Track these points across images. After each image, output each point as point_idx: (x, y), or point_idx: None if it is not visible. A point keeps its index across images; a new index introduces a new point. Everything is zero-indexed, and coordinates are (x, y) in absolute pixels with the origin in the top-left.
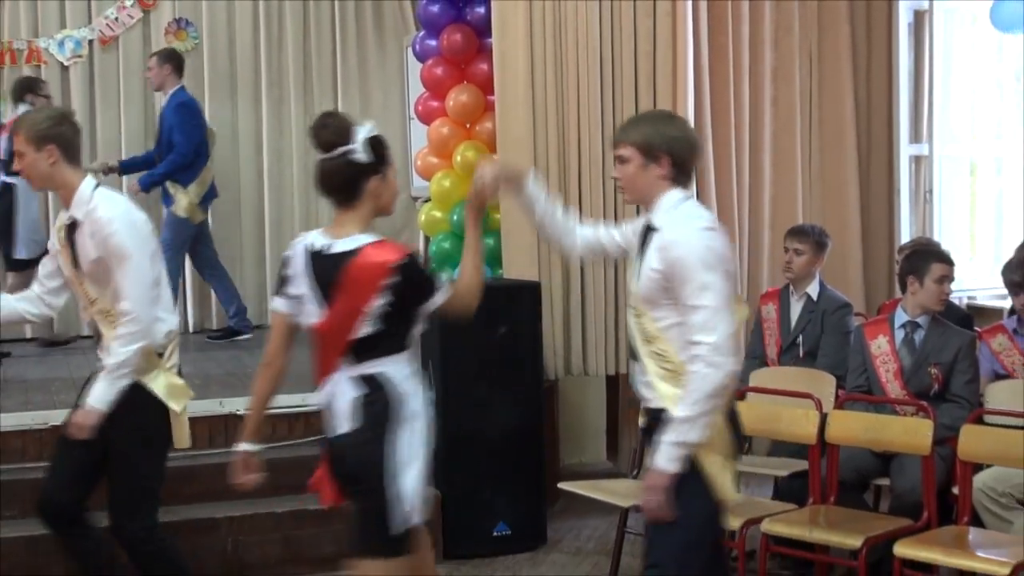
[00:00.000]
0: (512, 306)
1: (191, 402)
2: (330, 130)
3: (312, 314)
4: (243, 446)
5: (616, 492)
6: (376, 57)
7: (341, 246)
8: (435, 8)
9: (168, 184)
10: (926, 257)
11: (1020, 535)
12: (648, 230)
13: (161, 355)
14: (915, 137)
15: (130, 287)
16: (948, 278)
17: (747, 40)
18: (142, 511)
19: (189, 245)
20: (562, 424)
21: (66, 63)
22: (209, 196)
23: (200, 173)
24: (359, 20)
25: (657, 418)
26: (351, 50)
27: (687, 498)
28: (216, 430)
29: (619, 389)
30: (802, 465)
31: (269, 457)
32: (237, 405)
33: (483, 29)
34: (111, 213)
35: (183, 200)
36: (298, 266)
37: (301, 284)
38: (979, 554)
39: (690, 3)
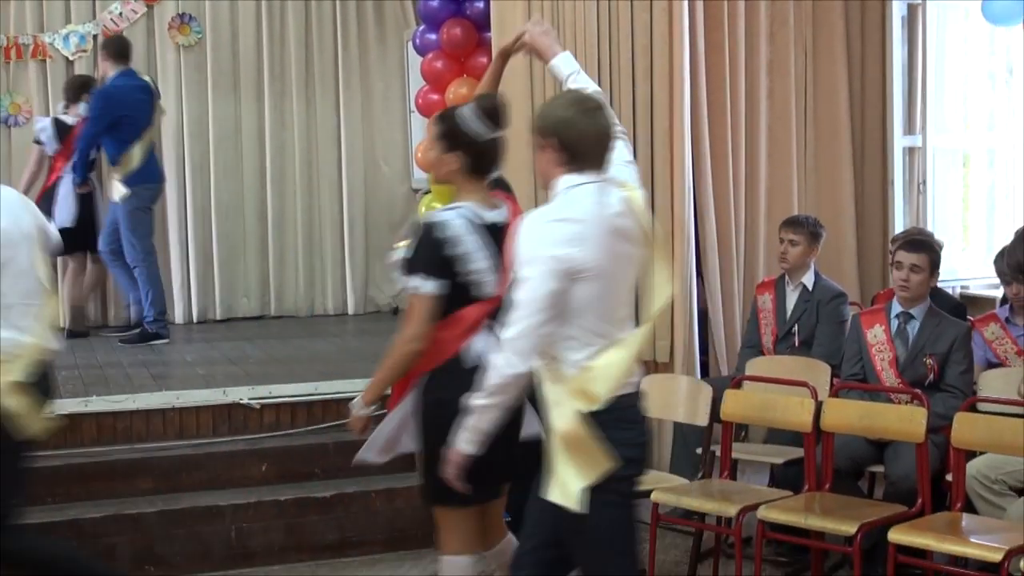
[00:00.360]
0: None
1: (197, 391)
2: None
3: (489, 285)
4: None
5: None
6: (377, 51)
7: (498, 216)
8: (435, 3)
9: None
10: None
11: (1012, 521)
12: None
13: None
14: (908, 129)
15: None
16: (903, 264)
17: (743, 34)
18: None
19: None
20: None
21: (71, 58)
22: (137, 180)
23: (121, 157)
24: (360, 15)
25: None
26: (352, 44)
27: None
28: (220, 419)
29: None
30: (798, 453)
31: (272, 446)
32: (241, 395)
33: (482, 23)
34: None
35: (115, 185)
36: (471, 243)
37: (479, 259)
38: (972, 540)
39: (686, 12)
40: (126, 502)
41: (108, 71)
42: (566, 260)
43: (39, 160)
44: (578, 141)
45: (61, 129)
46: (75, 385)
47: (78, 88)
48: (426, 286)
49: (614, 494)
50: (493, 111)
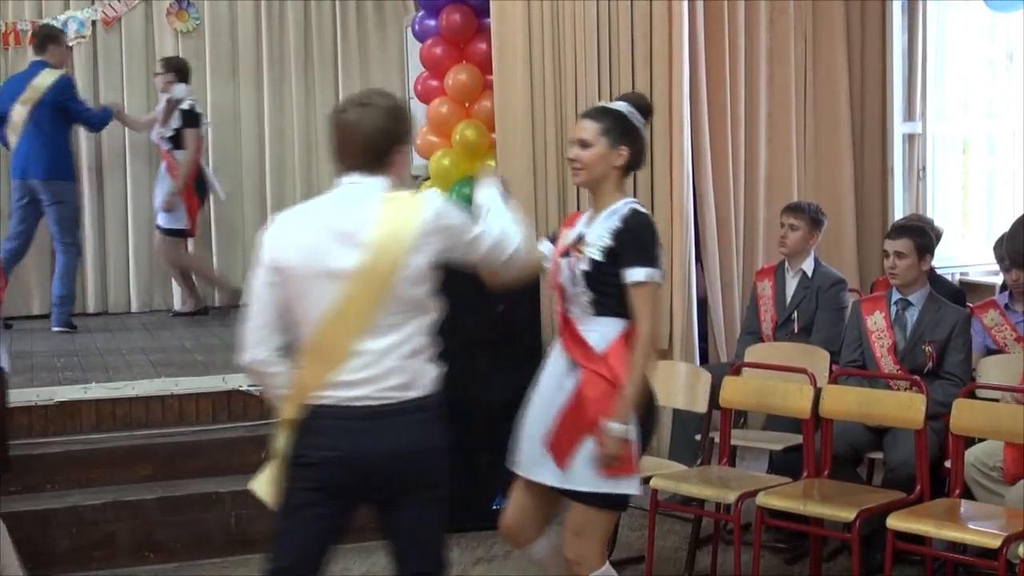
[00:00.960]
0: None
1: (196, 378)
2: None
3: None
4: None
5: None
6: (376, 37)
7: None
8: None
9: None
10: None
11: (1010, 507)
12: None
13: None
14: (908, 115)
15: None
16: (888, 252)
17: (743, 21)
18: None
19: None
20: None
21: (70, 44)
22: None
23: None
24: (359, 1)
25: None
26: (351, 30)
27: None
28: (219, 406)
29: None
30: (796, 439)
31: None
32: (239, 381)
33: (482, 9)
34: None
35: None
36: None
37: None
38: (971, 526)
39: None
40: (125, 489)
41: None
42: (302, 249)
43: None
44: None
45: None
46: (74, 372)
47: (187, 70)
48: (656, 276)
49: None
50: (647, 107)
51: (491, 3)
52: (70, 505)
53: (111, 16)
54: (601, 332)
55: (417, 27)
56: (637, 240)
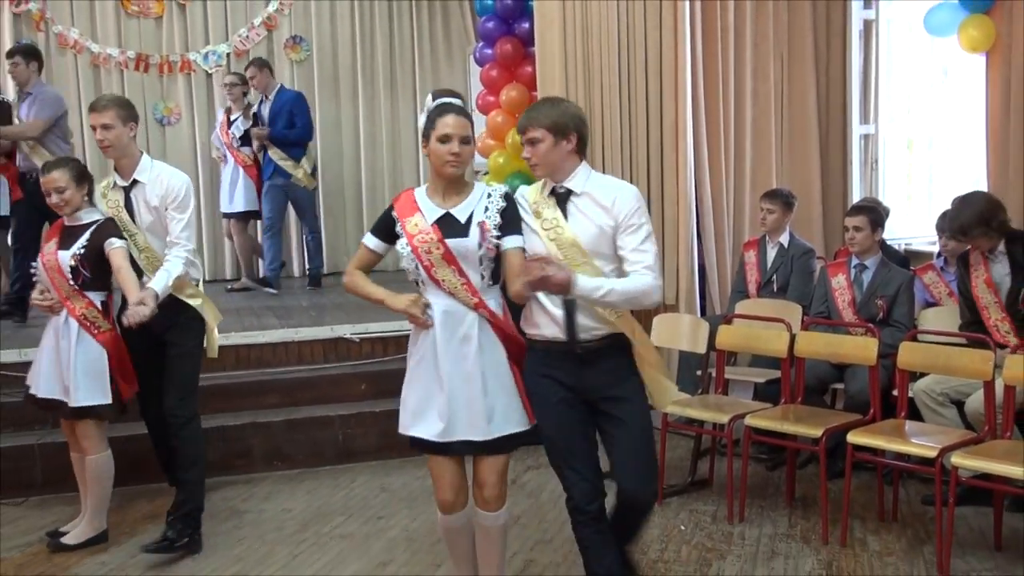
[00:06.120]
0: None
1: (311, 328)
2: None
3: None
4: None
5: None
6: (445, 63)
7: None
8: (491, 24)
9: None
10: None
11: (948, 426)
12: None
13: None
14: (864, 119)
15: None
16: (848, 226)
17: (733, 45)
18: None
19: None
20: None
21: (210, 71)
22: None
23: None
24: (432, 34)
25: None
26: (426, 57)
27: None
28: (329, 349)
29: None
30: (775, 374)
31: (369, 370)
32: (344, 331)
33: (528, 40)
34: None
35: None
36: None
37: None
38: (914, 441)
39: (688, 25)
40: (259, 413)
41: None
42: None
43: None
44: (587, 136)
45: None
46: (219, 324)
47: (245, 82)
48: (519, 241)
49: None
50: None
51: (535, 36)
52: (217, 425)
53: (241, 50)
54: (496, 301)
55: (477, 55)
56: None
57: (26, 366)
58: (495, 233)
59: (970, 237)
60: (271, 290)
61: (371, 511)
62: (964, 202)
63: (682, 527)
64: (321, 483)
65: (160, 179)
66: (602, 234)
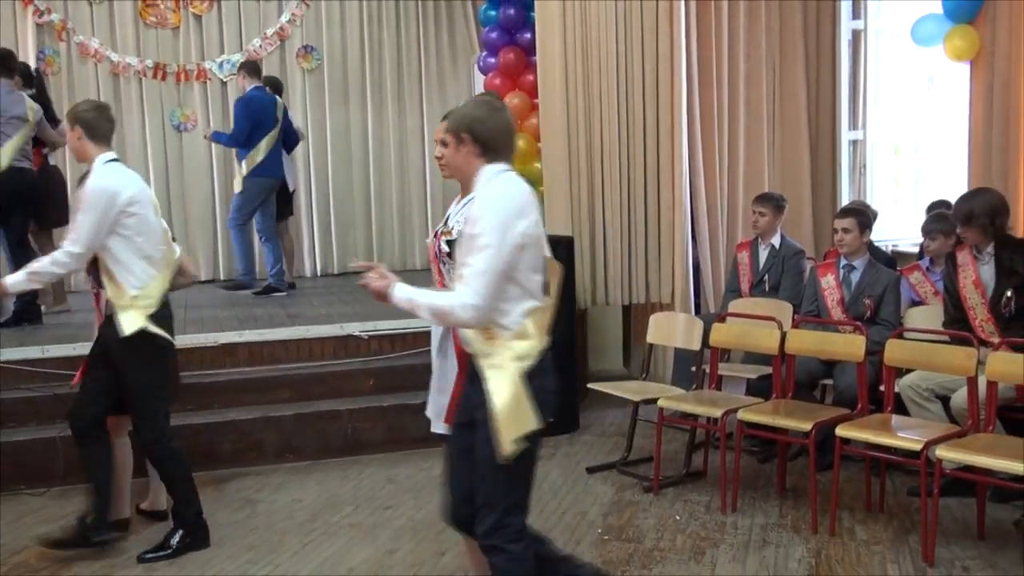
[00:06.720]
0: (553, 255)
1: (321, 326)
2: None
3: None
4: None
5: (630, 390)
6: (451, 71)
7: None
8: (494, 35)
9: None
10: None
11: (932, 420)
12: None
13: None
14: (853, 125)
15: None
16: (837, 228)
17: (726, 54)
18: None
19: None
20: (590, 341)
21: (224, 79)
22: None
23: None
24: (438, 44)
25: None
26: (432, 66)
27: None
28: (339, 346)
29: (632, 315)
30: (767, 370)
31: (377, 366)
32: (354, 328)
33: (530, 50)
34: None
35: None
36: None
37: None
38: (899, 434)
39: (683, 34)
40: (270, 408)
41: (246, 85)
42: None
43: None
44: (491, 136)
45: None
46: (232, 322)
47: (277, 85)
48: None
49: (534, 437)
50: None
51: (537, 47)
52: (230, 419)
53: (254, 59)
54: None
55: (481, 63)
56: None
57: (47, 362)
58: (444, 240)
59: (970, 227)
60: (277, 293)
61: (378, 501)
62: (976, 192)
63: (677, 517)
64: (330, 475)
65: (87, 181)
66: (461, 241)
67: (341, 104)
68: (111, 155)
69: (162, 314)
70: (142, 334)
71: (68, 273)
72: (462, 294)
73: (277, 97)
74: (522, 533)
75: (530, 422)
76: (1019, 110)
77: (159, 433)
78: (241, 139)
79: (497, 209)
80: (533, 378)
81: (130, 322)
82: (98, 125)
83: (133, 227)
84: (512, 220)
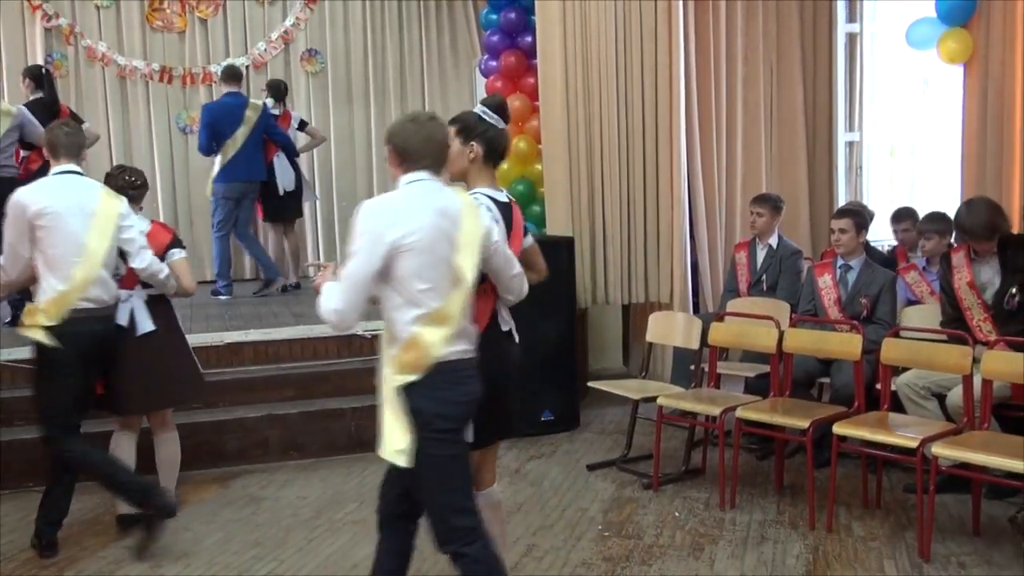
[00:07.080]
0: (553, 255)
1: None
2: None
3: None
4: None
5: (629, 388)
6: (452, 74)
7: (504, 197)
8: (495, 38)
9: None
10: None
11: (928, 418)
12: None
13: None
14: (849, 127)
15: None
16: (833, 229)
17: (724, 57)
18: None
19: None
20: (590, 340)
21: None
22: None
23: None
24: (440, 47)
25: None
26: (434, 69)
27: None
28: (342, 345)
29: (631, 314)
30: (765, 368)
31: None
32: (357, 327)
33: (531, 53)
34: None
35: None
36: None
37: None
38: (896, 432)
39: (682, 37)
40: (276, 406)
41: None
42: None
43: None
44: (407, 146)
45: None
46: (238, 322)
47: (284, 91)
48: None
49: (435, 439)
50: (499, 107)
51: (538, 50)
52: (236, 417)
53: (259, 62)
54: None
55: (483, 66)
56: None
57: None
58: None
59: (975, 240)
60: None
61: None
62: (970, 208)
63: (676, 513)
64: (334, 472)
65: None
66: None
67: (344, 106)
68: (62, 167)
69: (66, 331)
70: (39, 345)
71: (6, 282)
72: (328, 298)
73: (251, 100)
74: (474, 533)
75: (400, 439)
76: (1012, 112)
77: (50, 435)
78: (202, 146)
79: (369, 217)
80: (414, 393)
81: (30, 332)
82: (56, 140)
83: (43, 239)
84: (383, 229)
